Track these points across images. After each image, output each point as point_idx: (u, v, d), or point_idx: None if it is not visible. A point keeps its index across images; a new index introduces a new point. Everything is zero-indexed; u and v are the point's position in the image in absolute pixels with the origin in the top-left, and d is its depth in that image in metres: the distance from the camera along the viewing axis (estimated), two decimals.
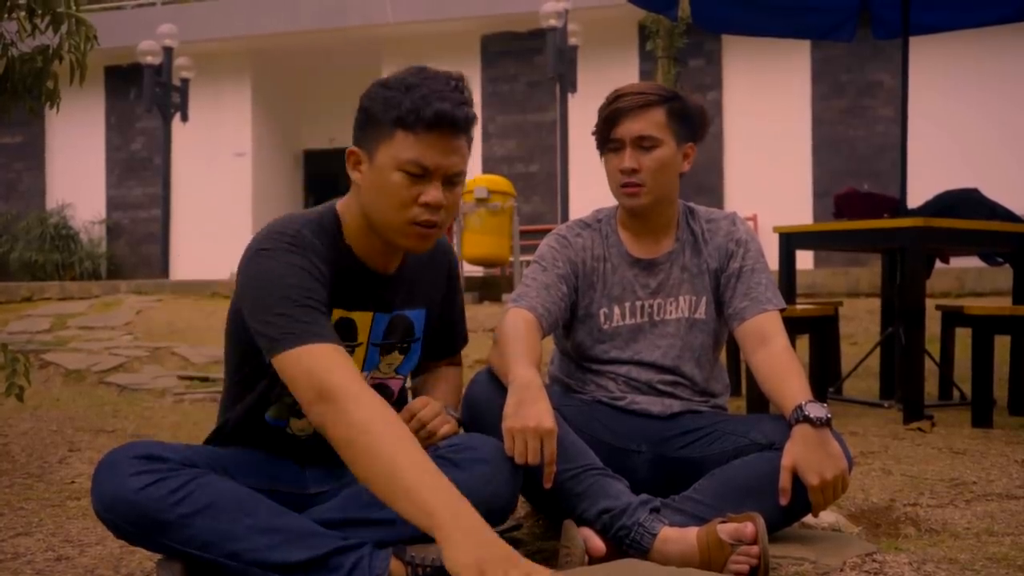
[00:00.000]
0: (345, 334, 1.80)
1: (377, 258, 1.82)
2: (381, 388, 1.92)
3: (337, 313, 1.79)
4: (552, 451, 1.74)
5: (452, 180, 1.71)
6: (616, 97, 2.12)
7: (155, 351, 6.09)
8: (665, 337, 2.16)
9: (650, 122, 2.08)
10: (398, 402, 1.99)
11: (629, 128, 2.08)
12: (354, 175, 1.76)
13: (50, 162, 14.16)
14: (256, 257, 1.70)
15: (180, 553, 1.63)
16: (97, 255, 13.29)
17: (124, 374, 5.44)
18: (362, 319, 1.84)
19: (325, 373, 1.55)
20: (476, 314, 7.31)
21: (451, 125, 1.67)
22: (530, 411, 1.74)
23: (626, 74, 11.66)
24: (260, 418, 1.88)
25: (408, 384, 2.06)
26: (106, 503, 1.64)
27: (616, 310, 2.16)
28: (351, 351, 1.82)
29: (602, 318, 2.16)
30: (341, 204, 1.83)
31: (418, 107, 1.65)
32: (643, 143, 2.08)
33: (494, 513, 1.76)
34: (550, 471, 1.75)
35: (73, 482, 2.82)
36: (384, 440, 1.49)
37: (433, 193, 1.68)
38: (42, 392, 4.78)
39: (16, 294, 9.39)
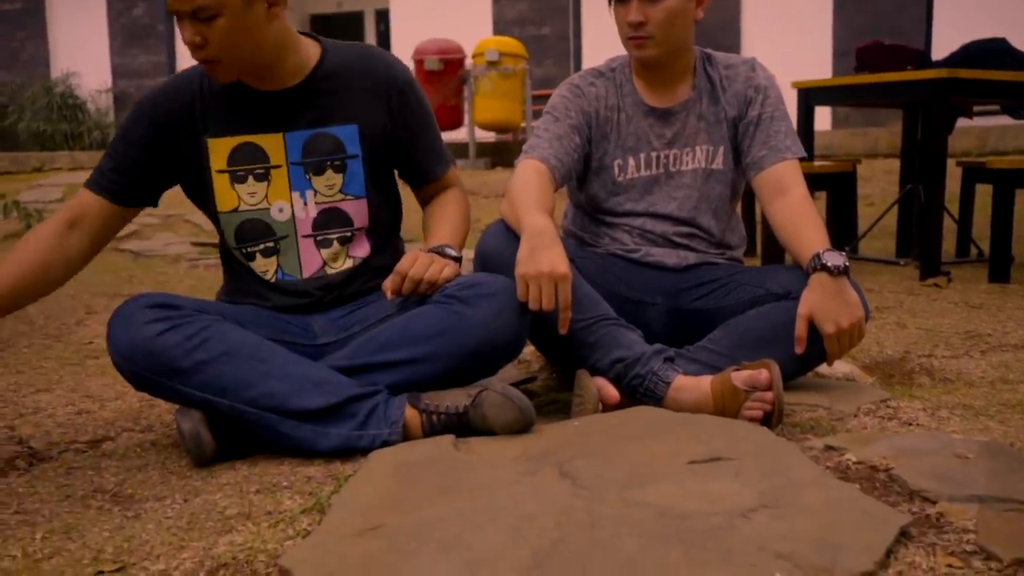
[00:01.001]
0: (250, 157, 1.86)
1: (254, 79, 1.85)
2: (333, 213, 1.90)
3: (239, 139, 1.86)
4: (567, 296, 1.72)
5: (197, 15, 1.68)
6: None
7: (167, 219, 6.08)
8: (681, 188, 2.12)
9: None
10: (374, 228, 1.95)
11: None
12: None
13: (52, 30, 13.86)
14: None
15: (197, 400, 1.65)
16: (105, 124, 13.14)
17: (137, 241, 5.45)
18: (271, 141, 1.87)
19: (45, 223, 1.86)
20: (488, 180, 7.24)
21: None
22: (543, 256, 1.71)
23: None
24: (245, 270, 1.93)
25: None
26: (123, 352, 1.65)
27: (631, 161, 2.11)
28: (266, 173, 1.86)
29: (616, 170, 2.11)
30: None
31: None
32: None
33: (508, 346, 1.76)
34: (565, 316, 1.74)
35: (91, 342, 2.84)
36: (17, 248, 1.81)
37: (184, 33, 1.71)
38: None
39: (26, 164, 9.34)
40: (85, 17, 13.58)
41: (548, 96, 10.34)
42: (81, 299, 3.63)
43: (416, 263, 1.78)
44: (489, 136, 9.66)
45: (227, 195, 1.87)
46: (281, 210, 1.88)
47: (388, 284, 1.79)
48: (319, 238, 1.90)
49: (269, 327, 1.83)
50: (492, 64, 8.43)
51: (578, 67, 10.95)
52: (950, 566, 1.13)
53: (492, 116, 8.63)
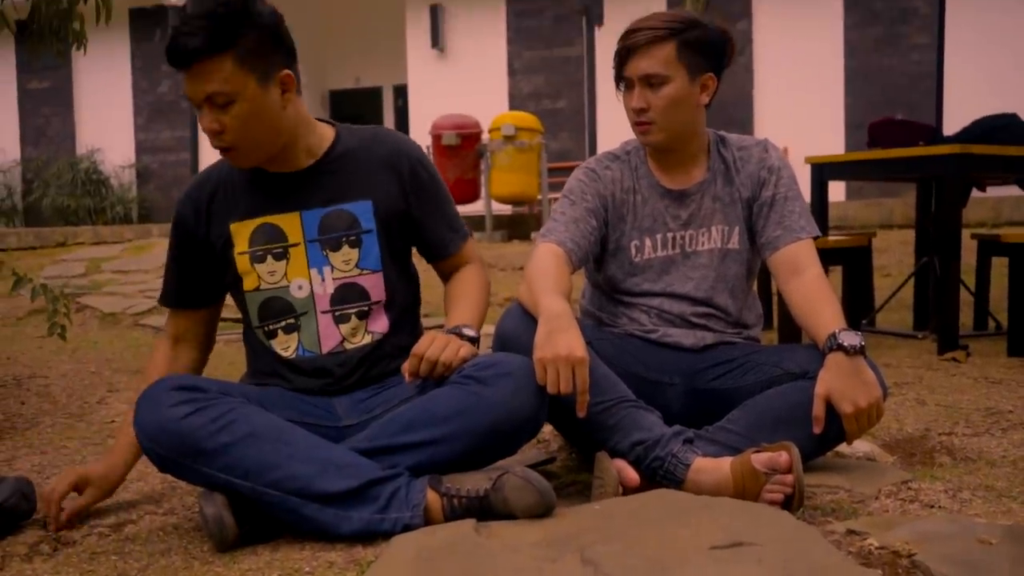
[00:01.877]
0: (271, 237, 1.93)
1: (270, 163, 1.93)
2: (350, 288, 1.94)
3: (258, 221, 1.93)
4: (584, 379, 1.74)
5: (215, 101, 1.78)
6: (627, 33, 2.07)
7: None
8: (698, 268, 2.14)
9: (657, 59, 2.02)
10: (399, 306, 1.99)
11: (637, 66, 2.04)
12: None
13: (78, 107, 14.18)
14: None
15: (221, 482, 1.66)
16: (128, 199, 13.37)
17: (159, 316, 5.50)
18: (288, 221, 1.93)
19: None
20: (504, 252, 7.30)
21: (180, 60, 1.76)
22: (560, 340, 1.74)
23: (653, 6, 11.42)
24: (267, 350, 1.97)
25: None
26: (149, 433, 1.68)
27: (647, 242, 2.14)
28: (284, 252, 1.92)
29: (633, 251, 2.14)
30: None
31: (167, 51, 1.78)
32: (651, 80, 2.03)
33: (525, 425, 1.78)
34: (583, 399, 1.75)
35: (113, 421, 2.87)
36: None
37: (202, 120, 1.81)
38: (80, 335, 4.85)
39: (50, 239, 9.48)
40: (111, 94, 13.91)
41: (564, 169, 10.49)
42: (103, 376, 3.67)
43: (432, 345, 1.82)
44: (506, 209, 9.76)
45: (249, 275, 1.93)
46: (300, 287, 1.93)
47: (406, 367, 1.82)
48: (337, 313, 1.94)
49: (292, 409, 1.86)
50: (508, 139, 8.56)
51: (593, 140, 11.08)
52: None
53: (509, 189, 8.74)
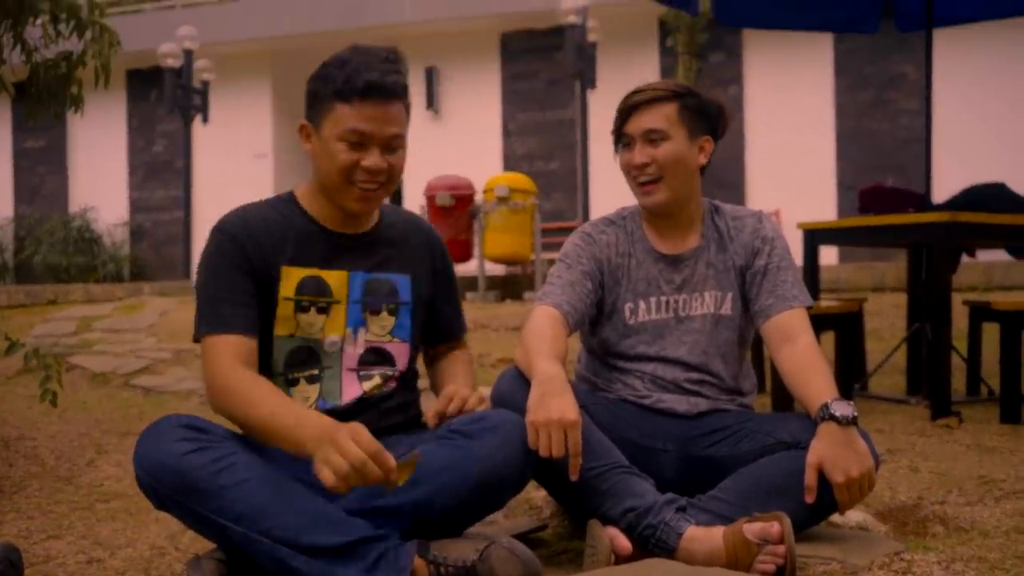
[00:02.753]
0: (317, 290, 1.93)
1: (335, 220, 1.96)
2: (379, 352, 1.98)
3: (303, 272, 1.92)
4: (576, 442, 1.74)
5: (390, 145, 1.86)
6: (629, 94, 2.14)
7: (179, 353, 6.12)
8: (691, 333, 2.15)
9: (659, 116, 2.09)
10: (405, 376, 2.02)
11: (638, 123, 2.10)
12: (305, 147, 1.93)
13: (72, 165, 14.27)
14: (201, 258, 1.92)
15: (213, 525, 1.66)
16: (120, 257, 13.38)
17: (149, 376, 5.47)
18: (335, 278, 1.94)
19: (214, 366, 1.80)
20: (498, 313, 7.31)
21: (381, 92, 1.82)
22: (553, 403, 1.75)
23: (646, 70, 11.62)
24: None
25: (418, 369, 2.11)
26: (148, 467, 1.69)
27: (641, 305, 2.16)
28: (327, 307, 1.93)
29: (627, 313, 2.16)
30: (299, 187, 2.02)
31: (351, 79, 1.81)
32: (651, 136, 2.08)
33: (510, 480, 1.79)
34: (575, 463, 1.75)
35: (102, 485, 2.85)
36: (255, 393, 1.75)
37: (372, 159, 1.84)
38: (69, 395, 4.82)
39: (41, 297, 9.47)
40: (105, 153, 14.01)
41: (557, 229, 10.56)
42: (92, 437, 3.64)
43: (460, 391, 1.94)
44: (499, 269, 9.80)
45: (287, 321, 1.92)
46: (333, 343, 1.94)
47: (435, 410, 1.92)
48: (362, 372, 1.96)
49: (292, 465, 1.84)
50: (502, 200, 8.61)
51: (586, 200, 11.17)
52: None
53: (502, 250, 8.77)
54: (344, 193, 1.88)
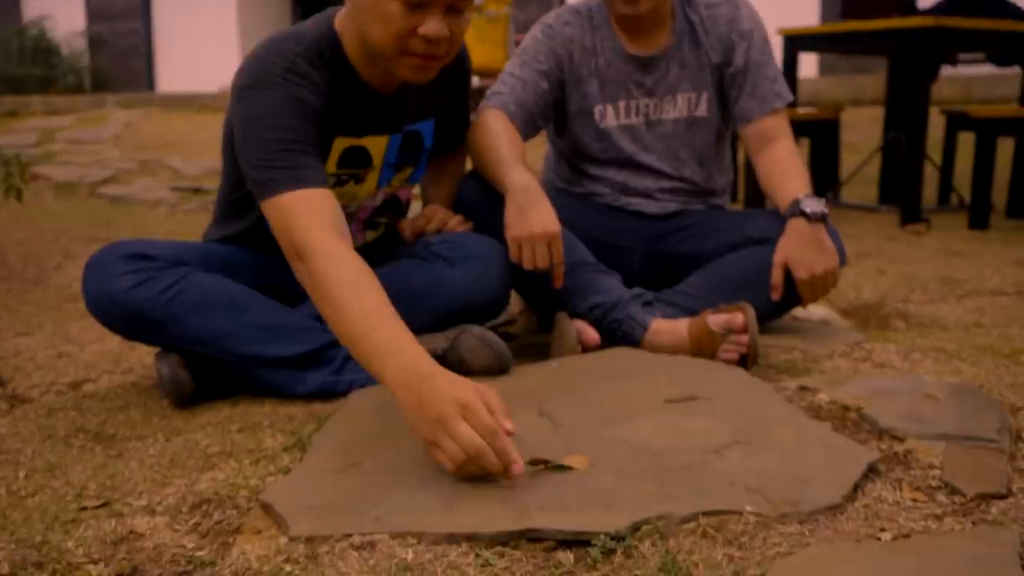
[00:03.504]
0: (358, 160, 1.75)
1: (381, 80, 1.69)
2: (392, 201, 1.91)
3: (345, 142, 1.71)
4: (559, 253, 1.73)
5: (456, 7, 1.52)
6: None
7: (145, 163, 6.02)
8: (663, 139, 2.09)
9: None
10: (405, 208, 1.98)
11: None
12: None
13: None
14: (245, 94, 1.57)
15: (175, 348, 1.66)
16: (80, 68, 12.90)
17: (116, 186, 5.39)
18: (375, 144, 1.76)
19: (303, 231, 1.44)
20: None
21: None
22: (533, 215, 1.71)
23: None
24: (258, 230, 1.83)
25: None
26: (97, 303, 1.65)
27: (610, 109, 2.08)
28: (363, 176, 1.78)
29: (597, 115, 2.09)
30: (339, 22, 1.66)
31: None
32: None
33: (486, 308, 1.79)
34: (559, 271, 1.76)
35: (70, 287, 2.83)
36: (347, 293, 1.37)
37: (433, 25, 1.49)
38: (34, 204, 4.75)
39: None
40: None
41: None
42: (59, 243, 3.60)
43: (432, 223, 1.87)
44: (472, 81, 9.58)
45: None
46: (354, 203, 1.84)
47: (411, 225, 1.86)
48: (368, 221, 1.90)
49: (253, 269, 1.81)
50: (476, 9, 8.32)
51: None
52: (915, 500, 1.15)
53: (476, 61, 8.52)
54: (395, 62, 1.56)
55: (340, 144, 1.71)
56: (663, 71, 2.07)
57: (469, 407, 1.18)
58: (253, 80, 1.58)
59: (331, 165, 1.71)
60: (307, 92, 1.57)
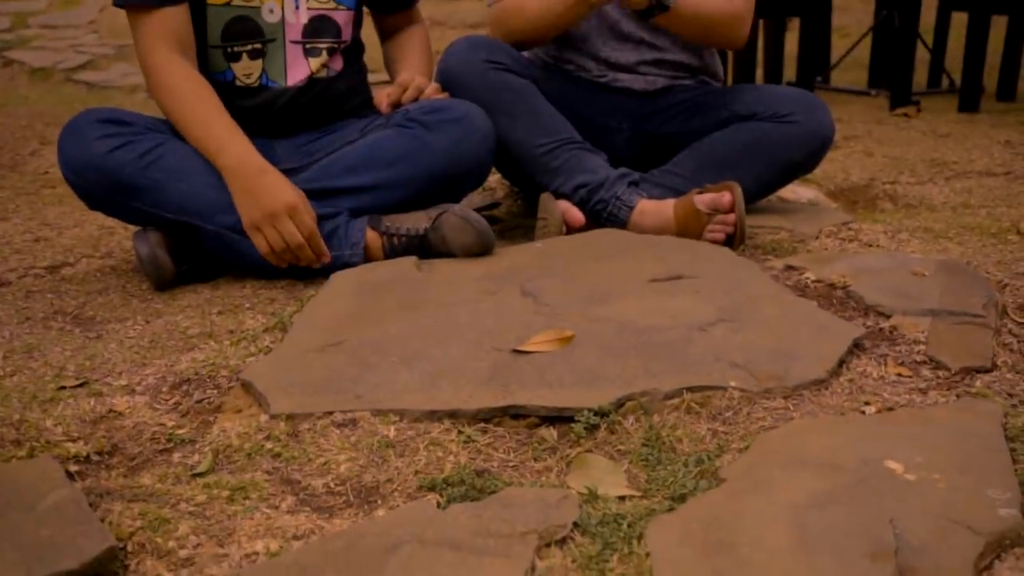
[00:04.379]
0: None
1: None
2: (324, 20, 1.82)
3: None
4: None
5: None
6: None
7: (122, 48, 5.85)
8: None
9: None
10: (351, 50, 1.89)
11: None
12: None
13: None
14: None
15: (154, 218, 1.62)
16: None
17: (92, 72, 5.25)
18: None
19: (149, 54, 1.67)
20: (456, 8, 7.00)
21: None
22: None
23: None
24: (213, 82, 1.78)
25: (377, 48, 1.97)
26: (74, 168, 1.61)
27: None
28: None
29: None
30: None
31: None
32: None
33: (468, 174, 1.75)
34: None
35: (47, 172, 2.77)
36: (189, 96, 1.65)
37: None
38: (8, 89, 4.64)
39: None
40: None
41: None
42: (35, 129, 3.52)
43: (416, 80, 1.82)
44: None
45: None
46: (271, 11, 1.78)
47: (388, 95, 1.82)
48: (308, 46, 1.82)
49: None
50: None
51: None
52: (900, 375, 1.15)
53: None
54: None
55: None
56: None
57: (296, 209, 1.57)
58: None
59: None
60: None
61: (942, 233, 1.83)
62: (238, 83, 1.79)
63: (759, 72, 3.82)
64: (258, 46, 1.79)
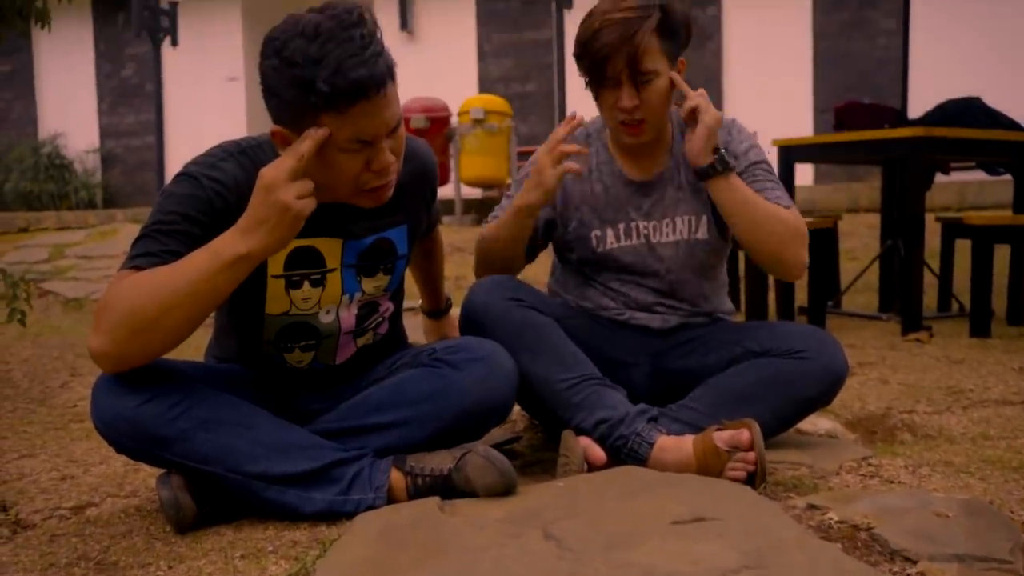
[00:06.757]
0: (309, 261, 1.77)
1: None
2: (371, 305, 1.90)
3: (295, 243, 1.72)
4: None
5: (394, 130, 1.63)
6: (598, 29, 1.94)
7: None
8: (663, 260, 2.09)
9: (643, 52, 1.92)
10: (392, 322, 1.98)
11: (623, 62, 1.92)
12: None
13: (40, 91, 13.93)
14: (173, 179, 1.68)
15: (182, 467, 1.65)
16: (92, 184, 13.16)
17: None
18: (328, 246, 1.78)
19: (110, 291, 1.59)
20: (474, 236, 7.27)
21: (374, 87, 1.54)
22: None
23: None
24: (255, 351, 1.87)
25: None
26: (106, 420, 1.65)
27: (609, 232, 2.09)
28: (323, 278, 1.79)
29: (594, 241, 2.10)
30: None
31: (335, 85, 1.51)
32: (641, 78, 1.94)
33: (494, 410, 1.79)
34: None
35: (75, 406, 2.84)
36: (144, 281, 1.55)
37: (381, 158, 1.62)
38: (42, 320, 4.79)
39: (12, 225, 9.33)
40: (73, 78, 13.68)
41: (533, 152, 10.46)
42: (65, 360, 3.62)
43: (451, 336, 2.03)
44: (475, 192, 9.74)
45: (280, 300, 1.78)
46: (328, 312, 1.83)
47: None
48: (356, 330, 1.90)
49: (255, 387, 1.84)
50: (478, 122, 8.53)
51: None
52: None
53: (478, 173, 8.72)
54: (356, 198, 1.69)
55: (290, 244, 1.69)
56: (660, 194, 2.09)
57: (274, 185, 1.52)
58: (188, 168, 1.68)
59: (276, 267, 1.74)
60: (221, 187, 1.65)
61: (963, 468, 1.83)
62: (287, 366, 1.88)
63: (771, 296, 3.92)
64: (312, 342, 1.86)
